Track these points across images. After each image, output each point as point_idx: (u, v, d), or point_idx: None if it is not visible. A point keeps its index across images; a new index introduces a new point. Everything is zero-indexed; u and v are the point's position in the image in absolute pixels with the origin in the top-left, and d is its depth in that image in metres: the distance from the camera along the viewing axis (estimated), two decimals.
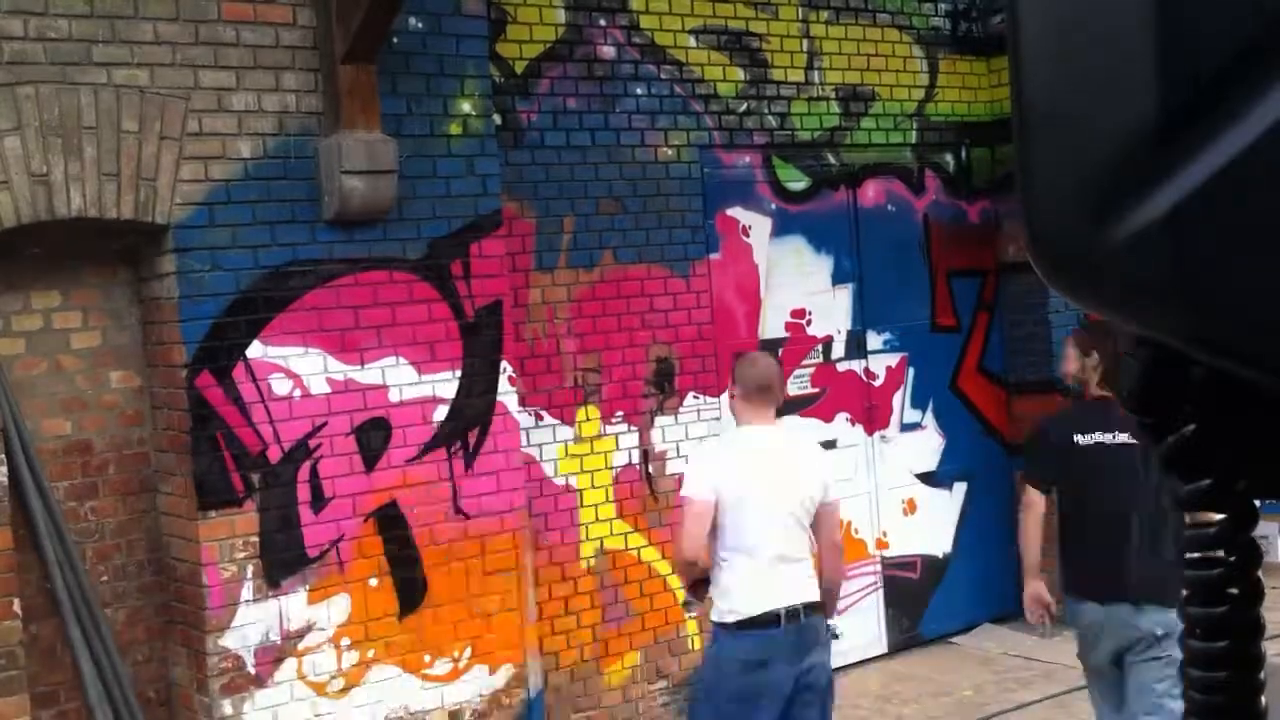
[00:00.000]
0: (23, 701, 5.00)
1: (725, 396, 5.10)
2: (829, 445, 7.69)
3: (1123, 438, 5.14)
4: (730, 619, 4.61)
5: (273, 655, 5.45)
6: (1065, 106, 0.74)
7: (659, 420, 6.90)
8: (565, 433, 6.62)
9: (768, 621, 4.57)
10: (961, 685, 7.37)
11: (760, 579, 4.59)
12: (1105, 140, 0.72)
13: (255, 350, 5.42)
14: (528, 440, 6.39)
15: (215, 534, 5.32)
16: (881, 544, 7.94)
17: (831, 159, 7.75)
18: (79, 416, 5.41)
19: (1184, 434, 0.80)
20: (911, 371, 8.09)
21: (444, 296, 5.89)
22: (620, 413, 6.79)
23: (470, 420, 5.95)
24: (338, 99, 5.47)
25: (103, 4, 5.10)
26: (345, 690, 5.64)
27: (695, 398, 7.02)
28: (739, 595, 4.59)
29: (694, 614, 5.32)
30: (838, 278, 7.77)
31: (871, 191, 7.95)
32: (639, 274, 6.84)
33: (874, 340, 7.92)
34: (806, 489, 4.72)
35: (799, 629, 4.61)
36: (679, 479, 6.90)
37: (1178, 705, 4.43)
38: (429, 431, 5.85)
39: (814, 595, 4.69)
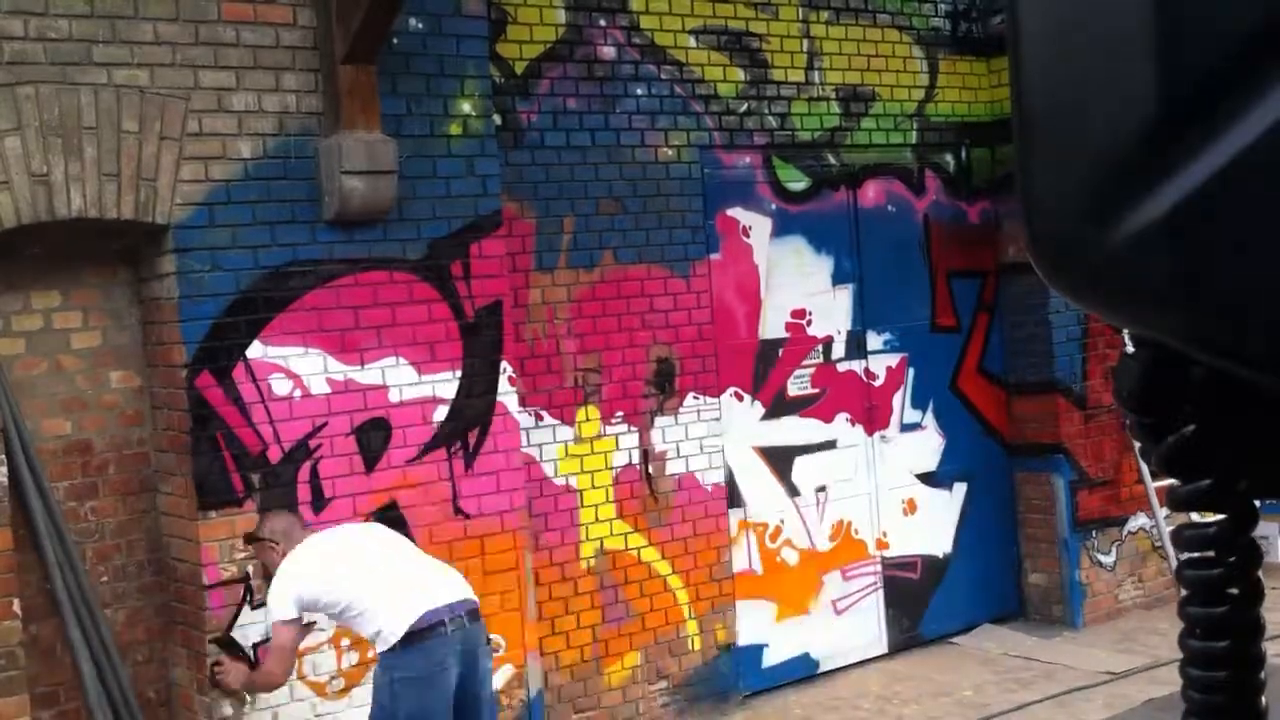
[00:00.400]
0: (23, 702, 5.00)
1: (273, 558, 4.96)
2: (829, 445, 7.70)
3: None
4: (391, 642, 4.70)
5: None
6: (1065, 107, 0.74)
7: (659, 421, 6.90)
8: (565, 433, 6.62)
9: (430, 629, 4.69)
10: (962, 685, 7.37)
11: (398, 601, 4.73)
12: (1105, 141, 0.72)
13: (255, 350, 5.42)
14: (528, 440, 6.39)
15: (215, 534, 5.32)
16: (882, 544, 7.94)
17: (832, 159, 7.75)
18: (79, 416, 5.41)
19: (1184, 434, 0.80)
20: (911, 372, 8.09)
21: (444, 297, 5.89)
22: (620, 413, 6.79)
23: (470, 420, 5.95)
24: (338, 99, 5.48)
25: (103, 4, 5.10)
26: (345, 690, 5.64)
27: (695, 398, 7.02)
28: (394, 619, 4.70)
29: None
30: (838, 278, 7.77)
31: (872, 192, 7.95)
32: (639, 274, 6.84)
33: (874, 340, 7.92)
34: (381, 533, 5.10)
35: (463, 628, 4.77)
36: (678, 479, 6.91)
37: None
38: (429, 432, 5.85)
39: (459, 593, 4.84)
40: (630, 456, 6.81)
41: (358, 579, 4.76)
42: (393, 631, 4.65)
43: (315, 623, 5.10)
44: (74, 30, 5.04)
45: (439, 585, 4.82)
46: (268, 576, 4.97)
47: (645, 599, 6.81)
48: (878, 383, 7.95)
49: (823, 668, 7.63)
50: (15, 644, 4.98)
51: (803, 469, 7.58)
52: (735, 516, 7.26)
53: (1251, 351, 0.70)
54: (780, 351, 7.52)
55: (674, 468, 6.94)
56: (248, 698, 5.39)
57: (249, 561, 5.38)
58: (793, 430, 7.55)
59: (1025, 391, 8.42)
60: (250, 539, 5.19)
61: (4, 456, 5.01)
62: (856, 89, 7.80)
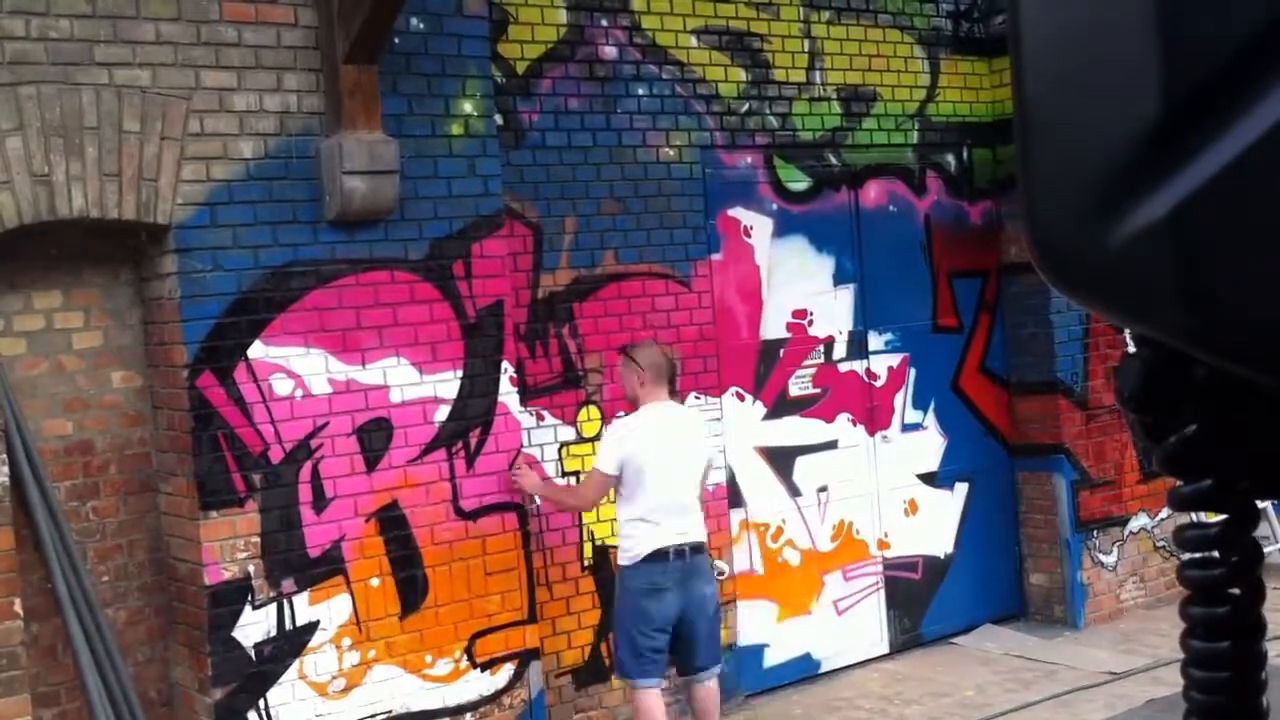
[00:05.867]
0: (24, 702, 5.00)
1: (634, 385, 5.91)
2: (830, 445, 7.70)
3: None
4: (629, 558, 5.79)
5: (274, 655, 5.45)
6: (1067, 107, 0.74)
7: None
8: (567, 433, 6.63)
9: (660, 557, 5.74)
10: (963, 686, 7.37)
11: (655, 526, 5.74)
12: (1106, 141, 0.72)
13: (257, 350, 5.42)
14: (529, 440, 6.40)
15: (216, 534, 5.32)
16: (883, 544, 7.94)
17: (833, 159, 7.75)
18: (80, 417, 5.41)
19: (1185, 434, 0.79)
20: (913, 372, 8.09)
21: (445, 297, 5.90)
22: (621, 413, 6.78)
23: (471, 420, 5.96)
24: (339, 99, 5.48)
25: (104, 4, 5.10)
26: (346, 690, 5.64)
27: (697, 398, 7.02)
28: (640, 538, 5.75)
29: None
30: (839, 278, 7.77)
31: (873, 192, 7.95)
32: (640, 274, 6.84)
33: (875, 341, 7.92)
34: (697, 455, 6.00)
35: (688, 564, 5.80)
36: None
37: None
38: (430, 431, 5.85)
39: (700, 538, 5.88)
40: None
41: (656, 482, 5.75)
42: (638, 550, 5.77)
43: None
44: (75, 30, 5.04)
45: (684, 525, 5.81)
46: (626, 395, 6.02)
47: None
48: (879, 383, 7.95)
49: (824, 668, 7.63)
50: (17, 644, 4.99)
51: (804, 469, 7.58)
52: (736, 516, 7.26)
53: (1253, 351, 0.70)
54: (781, 352, 7.52)
55: None
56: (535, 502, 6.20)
57: (250, 561, 5.39)
58: (794, 430, 7.55)
59: (1027, 392, 8.42)
60: (627, 353, 6.04)
61: (5, 456, 5.01)
62: (858, 89, 7.80)
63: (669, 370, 6.06)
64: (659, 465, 5.75)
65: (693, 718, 6.09)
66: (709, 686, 6.01)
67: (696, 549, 5.84)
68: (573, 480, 6.52)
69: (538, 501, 6.26)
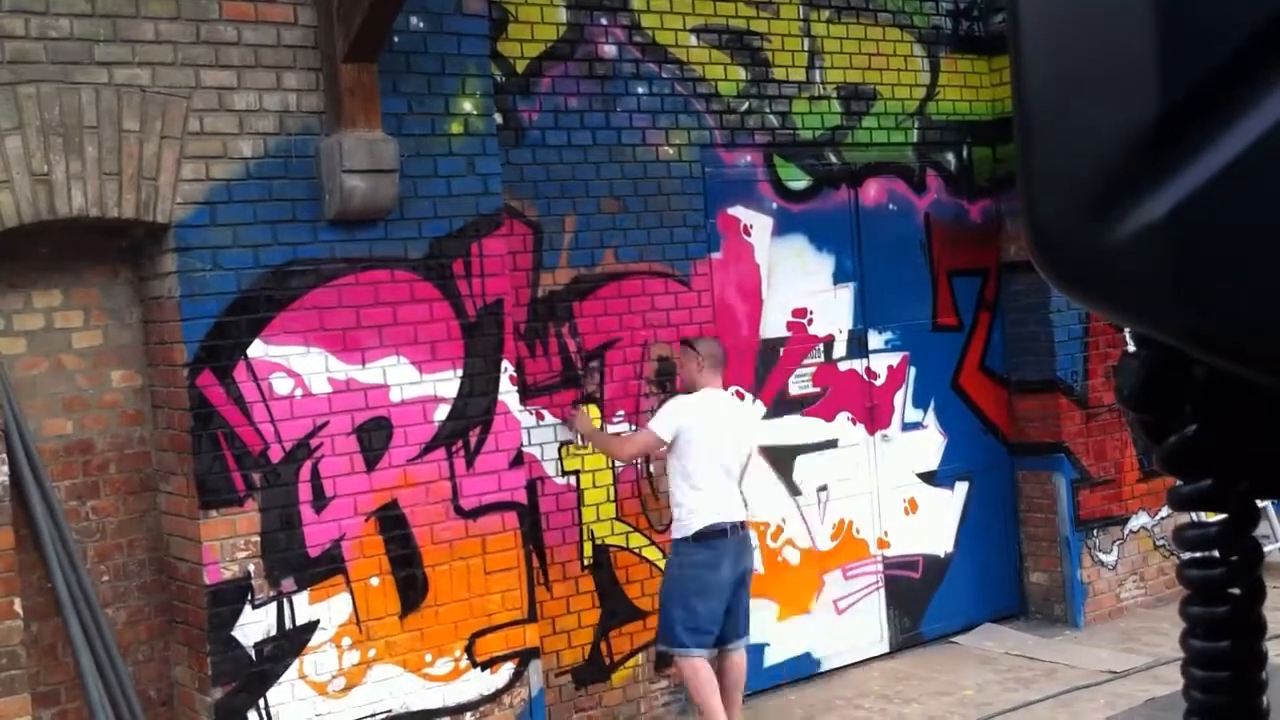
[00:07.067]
0: (24, 701, 5.00)
1: (691, 371, 6.37)
2: (830, 444, 7.70)
3: None
4: (687, 531, 6.18)
5: (274, 655, 5.45)
6: (1066, 106, 0.74)
7: None
8: (567, 432, 6.63)
9: (718, 533, 6.16)
10: (963, 684, 7.37)
11: (708, 501, 6.16)
12: (1106, 140, 0.72)
13: (256, 349, 5.42)
14: (529, 439, 6.40)
15: (216, 533, 5.32)
16: (883, 543, 7.94)
17: (833, 158, 7.75)
18: (80, 416, 5.41)
19: (1185, 434, 0.79)
20: (913, 371, 8.09)
21: (445, 296, 5.89)
22: (622, 412, 6.79)
23: (471, 419, 5.95)
24: (339, 98, 5.47)
25: (104, 3, 5.09)
26: (346, 690, 5.64)
27: None
28: (699, 511, 6.16)
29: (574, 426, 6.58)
30: (839, 277, 7.77)
31: (873, 190, 7.95)
32: (640, 273, 6.84)
33: (875, 339, 7.92)
34: (745, 440, 6.45)
35: (739, 540, 6.26)
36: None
37: None
38: (430, 431, 5.85)
39: (744, 515, 6.33)
40: None
41: (708, 457, 6.17)
42: (691, 525, 6.16)
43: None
44: (75, 29, 5.04)
45: (734, 502, 6.25)
46: (684, 380, 6.52)
47: (646, 598, 6.81)
48: (879, 381, 7.95)
49: (824, 667, 7.63)
50: (16, 643, 4.99)
51: (804, 468, 7.58)
52: None
53: (1252, 351, 0.70)
54: (781, 350, 7.52)
55: None
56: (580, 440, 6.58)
57: (250, 560, 5.39)
58: (794, 429, 7.55)
59: (1026, 390, 8.42)
60: (687, 343, 6.49)
61: (5, 456, 5.01)
62: (858, 87, 7.79)
63: (723, 362, 6.50)
64: (711, 444, 6.16)
65: (721, 686, 6.26)
66: (741, 654, 6.39)
67: (744, 525, 6.29)
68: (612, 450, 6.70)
69: (580, 441, 6.61)
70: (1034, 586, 8.51)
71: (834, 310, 7.74)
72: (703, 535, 6.12)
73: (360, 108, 5.48)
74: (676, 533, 6.25)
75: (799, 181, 7.60)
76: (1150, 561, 8.65)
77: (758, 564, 7.34)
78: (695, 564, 6.11)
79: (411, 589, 5.80)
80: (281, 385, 5.47)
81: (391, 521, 5.75)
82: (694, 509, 6.15)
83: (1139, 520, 8.59)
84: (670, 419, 6.22)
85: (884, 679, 7.56)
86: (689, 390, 6.39)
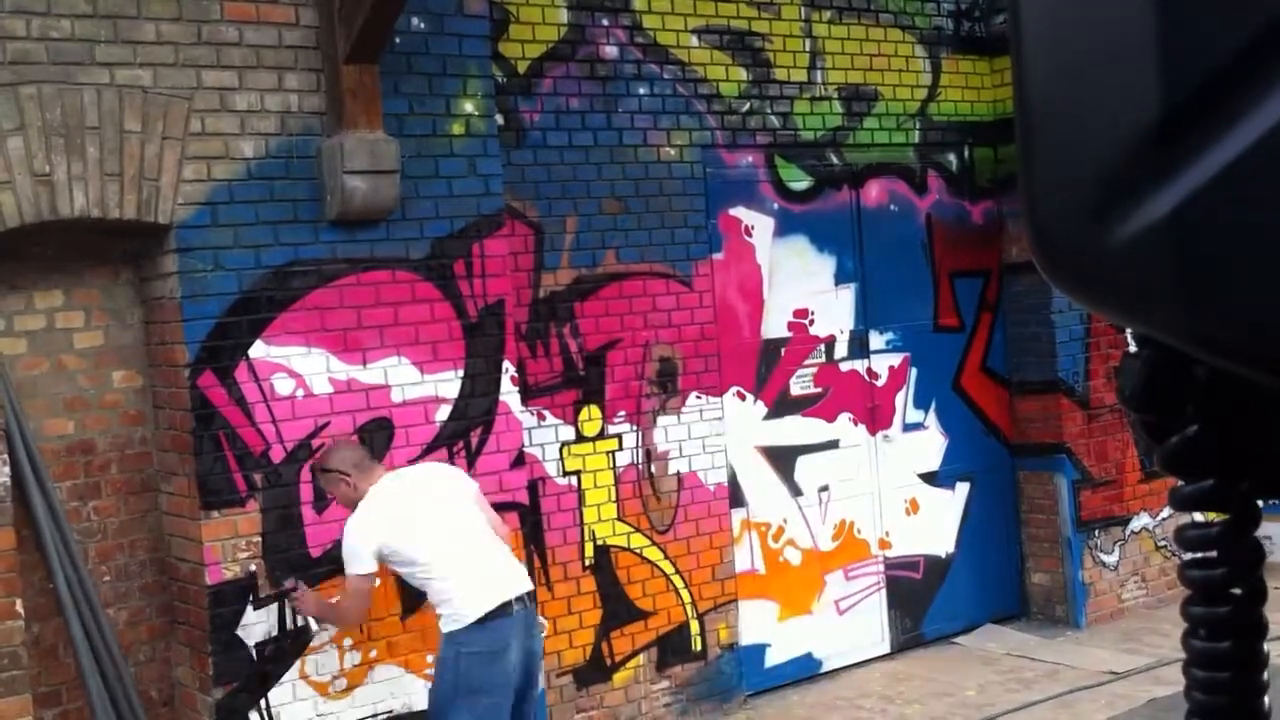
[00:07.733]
0: (25, 701, 5.00)
1: (345, 491, 5.11)
2: (832, 445, 7.70)
3: None
4: (465, 623, 4.90)
5: (275, 655, 5.45)
6: (1067, 107, 0.74)
7: (661, 420, 6.90)
8: (567, 432, 6.62)
9: (499, 611, 4.89)
10: (965, 685, 7.37)
11: (468, 582, 4.92)
12: (1108, 141, 0.72)
13: (258, 350, 5.42)
14: (530, 440, 6.40)
15: (218, 534, 5.32)
16: (884, 544, 7.94)
17: (834, 159, 7.74)
18: (81, 416, 5.41)
19: (1186, 434, 0.79)
20: (914, 371, 8.09)
21: (446, 296, 5.90)
22: (623, 412, 6.79)
23: (473, 420, 5.95)
24: (340, 99, 5.48)
25: (105, 4, 5.10)
26: (348, 690, 5.64)
27: (698, 397, 7.02)
28: (469, 601, 4.90)
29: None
30: (840, 277, 7.77)
31: (874, 191, 7.95)
32: (642, 274, 6.84)
33: (876, 340, 7.92)
34: (457, 487, 5.18)
35: (527, 613, 5.02)
36: (681, 479, 6.91)
37: None
38: (431, 431, 5.85)
39: (527, 583, 5.10)
40: (633, 456, 6.81)
41: (438, 545, 4.93)
42: (466, 614, 4.88)
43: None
44: (76, 30, 5.04)
45: (508, 570, 5.05)
46: (346, 504, 5.13)
47: (648, 599, 6.82)
48: (880, 382, 7.94)
49: (825, 667, 7.63)
50: (18, 644, 4.99)
51: (805, 468, 7.58)
52: (738, 516, 7.25)
53: (1254, 351, 0.70)
54: (783, 351, 7.52)
55: (676, 467, 6.94)
56: (315, 625, 5.53)
57: (251, 561, 5.39)
58: (795, 430, 7.55)
59: (1028, 391, 8.42)
60: (319, 470, 5.25)
61: (6, 456, 5.01)
62: (859, 88, 7.79)
63: (368, 453, 5.32)
64: (424, 528, 4.95)
65: None
66: None
67: (531, 596, 5.08)
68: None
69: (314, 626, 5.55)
70: (1035, 587, 8.50)
71: (835, 311, 7.74)
72: (483, 619, 4.86)
73: (361, 108, 5.49)
74: (446, 626, 4.95)
75: (800, 182, 7.60)
76: (1152, 562, 8.64)
77: (759, 565, 7.35)
78: (473, 655, 4.88)
79: (413, 589, 5.80)
80: (283, 386, 5.48)
81: None
82: (462, 598, 4.89)
83: (1140, 521, 8.58)
84: (360, 550, 4.93)
85: (885, 680, 7.56)
86: (355, 504, 5.05)
